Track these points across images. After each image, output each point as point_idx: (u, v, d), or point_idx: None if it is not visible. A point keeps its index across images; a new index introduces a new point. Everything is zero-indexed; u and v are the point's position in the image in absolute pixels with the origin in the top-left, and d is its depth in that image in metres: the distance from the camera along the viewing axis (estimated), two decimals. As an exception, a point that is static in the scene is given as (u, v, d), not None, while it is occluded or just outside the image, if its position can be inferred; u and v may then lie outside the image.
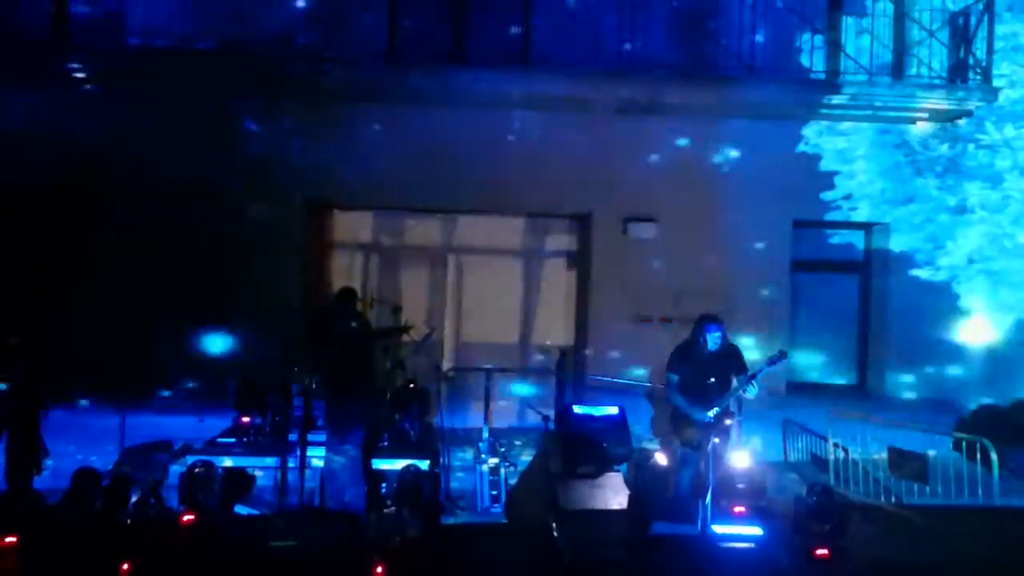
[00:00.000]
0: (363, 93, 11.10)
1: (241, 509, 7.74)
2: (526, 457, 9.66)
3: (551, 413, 9.58)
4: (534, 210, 11.92)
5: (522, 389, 11.21)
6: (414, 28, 11.24)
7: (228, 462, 8.13)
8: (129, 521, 6.66)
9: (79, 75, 10.71)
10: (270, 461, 8.19)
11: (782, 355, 7.61)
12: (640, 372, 10.51)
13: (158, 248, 10.80)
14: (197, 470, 7.46)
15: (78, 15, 11.03)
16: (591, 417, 9.40)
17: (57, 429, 8.46)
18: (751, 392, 7.53)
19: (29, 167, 10.80)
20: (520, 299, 12.21)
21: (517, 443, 10.27)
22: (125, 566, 5.67)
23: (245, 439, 8.68)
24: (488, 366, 9.93)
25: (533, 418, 9.74)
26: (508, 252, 12.24)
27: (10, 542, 5.80)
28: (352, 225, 12.13)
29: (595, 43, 11.02)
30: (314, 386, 8.16)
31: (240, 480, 8.01)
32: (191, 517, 6.44)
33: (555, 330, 12.08)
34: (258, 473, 8.27)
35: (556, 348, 11.96)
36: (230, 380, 9.15)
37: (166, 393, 10.48)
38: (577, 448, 8.67)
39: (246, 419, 8.78)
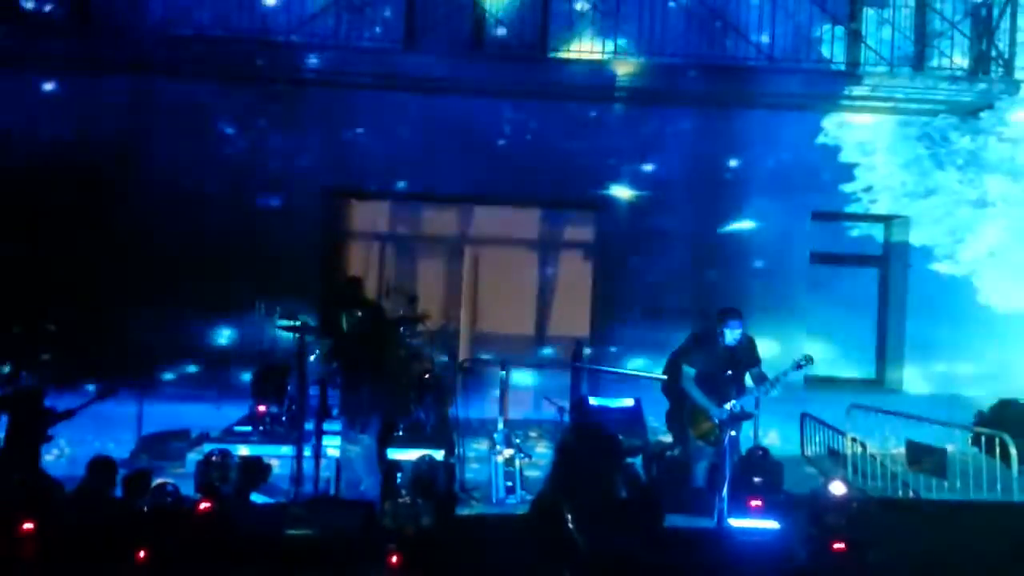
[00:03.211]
0: (381, 82, 11.07)
1: (257, 498, 7.74)
2: (541, 449, 9.64)
3: (566, 404, 9.57)
4: (551, 200, 11.87)
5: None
6: (431, 16, 11.20)
7: (244, 450, 8.14)
8: (145, 509, 6.67)
9: (99, 62, 10.75)
10: (286, 450, 8.20)
11: (808, 361, 7.54)
12: (656, 364, 10.44)
13: (177, 237, 10.83)
14: (214, 458, 7.45)
15: (100, 2, 11.08)
16: (607, 409, 9.37)
17: (75, 417, 8.48)
18: (773, 393, 7.50)
19: (49, 155, 10.85)
20: (536, 290, 12.17)
21: (532, 434, 10.26)
22: (141, 554, 5.67)
23: (261, 427, 8.70)
24: (504, 357, 9.90)
25: (548, 409, 9.73)
26: (524, 243, 12.21)
27: (27, 529, 5.80)
28: (369, 215, 12.13)
29: (613, 32, 10.95)
30: (330, 375, 8.17)
31: (256, 469, 8.01)
32: (207, 505, 6.42)
33: (571, 321, 12.03)
34: (274, 462, 8.28)
35: (572, 339, 11.93)
36: (247, 368, 9.18)
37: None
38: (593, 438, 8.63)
39: (263, 408, 8.80)
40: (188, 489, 7.31)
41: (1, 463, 7.77)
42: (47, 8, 10.97)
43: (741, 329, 7.77)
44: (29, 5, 11.01)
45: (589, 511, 6.62)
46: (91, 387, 8.39)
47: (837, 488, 6.83)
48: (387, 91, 11.15)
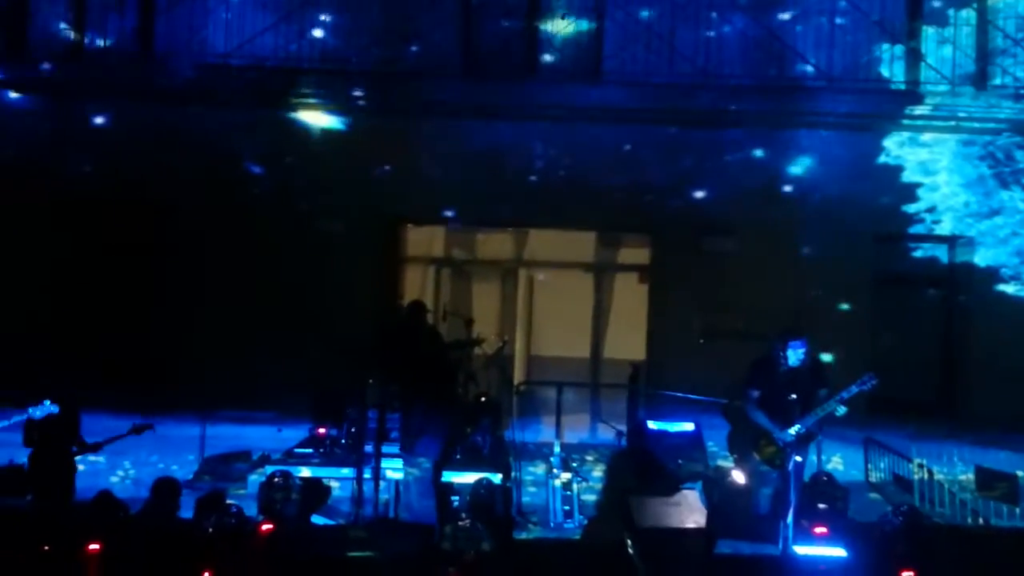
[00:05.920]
0: (437, 108, 11.17)
1: (318, 519, 7.79)
2: (598, 472, 9.56)
3: (624, 428, 9.49)
4: (606, 223, 11.84)
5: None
6: (487, 43, 11.30)
7: (305, 472, 8.18)
8: (209, 530, 6.74)
9: (162, 91, 11.02)
10: (346, 472, 8.23)
11: (872, 379, 7.39)
12: (716, 387, 10.32)
13: (238, 262, 11.01)
14: (276, 480, 7.52)
15: (163, 35, 11.38)
16: (665, 433, 9.26)
17: (140, 438, 8.61)
18: (840, 412, 7.35)
19: (119, 181, 11.16)
20: (591, 313, 12.12)
21: (589, 458, 10.18)
22: (205, 574, 5.73)
23: (322, 450, 8.75)
24: (559, 380, 9.86)
25: (605, 433, 9.64)
26: (579, 266, 12.18)
27: (93, 549, 5.90)
28: (425, 239, 12.20)
29: (669, 55, 10.94)
30: (388, 398, 8.20)
31: (317, 491, 8.06)
32: (270, 526, 6.49)
33: (627, 344, 11.95)
34: (334, 484, 8.32)
35: (628, 362, 11.84)
36: (307, 392, 9.25)
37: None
38: (648, 466, 8.57)
39: (322, 430, 8.85)
40: (250, 510, 7.39)
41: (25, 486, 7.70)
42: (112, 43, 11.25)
43: (804, 349, 7.62)
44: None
45: (648, 537, 6.56)
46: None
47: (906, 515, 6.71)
48: (444, 118, 11.23)
